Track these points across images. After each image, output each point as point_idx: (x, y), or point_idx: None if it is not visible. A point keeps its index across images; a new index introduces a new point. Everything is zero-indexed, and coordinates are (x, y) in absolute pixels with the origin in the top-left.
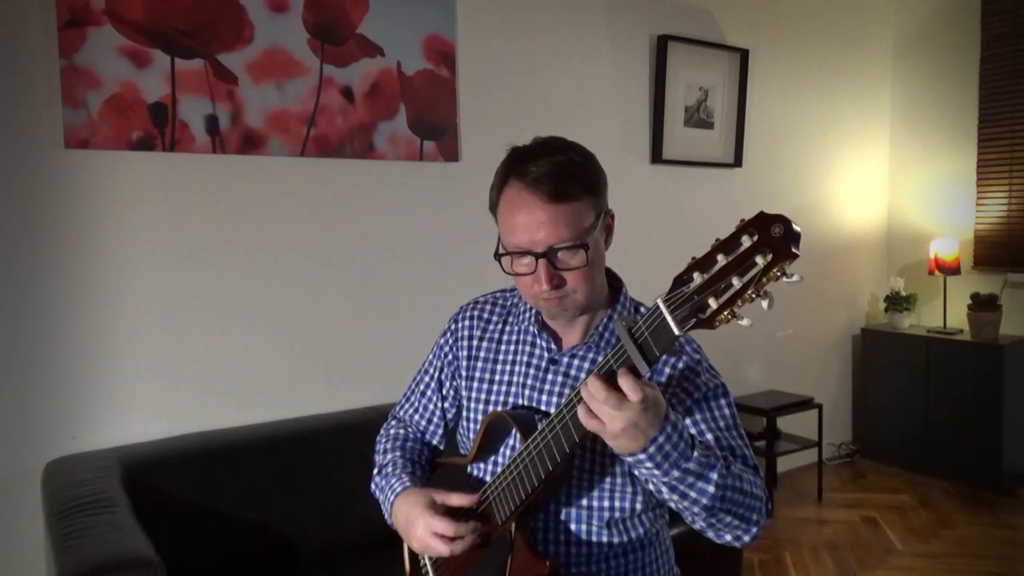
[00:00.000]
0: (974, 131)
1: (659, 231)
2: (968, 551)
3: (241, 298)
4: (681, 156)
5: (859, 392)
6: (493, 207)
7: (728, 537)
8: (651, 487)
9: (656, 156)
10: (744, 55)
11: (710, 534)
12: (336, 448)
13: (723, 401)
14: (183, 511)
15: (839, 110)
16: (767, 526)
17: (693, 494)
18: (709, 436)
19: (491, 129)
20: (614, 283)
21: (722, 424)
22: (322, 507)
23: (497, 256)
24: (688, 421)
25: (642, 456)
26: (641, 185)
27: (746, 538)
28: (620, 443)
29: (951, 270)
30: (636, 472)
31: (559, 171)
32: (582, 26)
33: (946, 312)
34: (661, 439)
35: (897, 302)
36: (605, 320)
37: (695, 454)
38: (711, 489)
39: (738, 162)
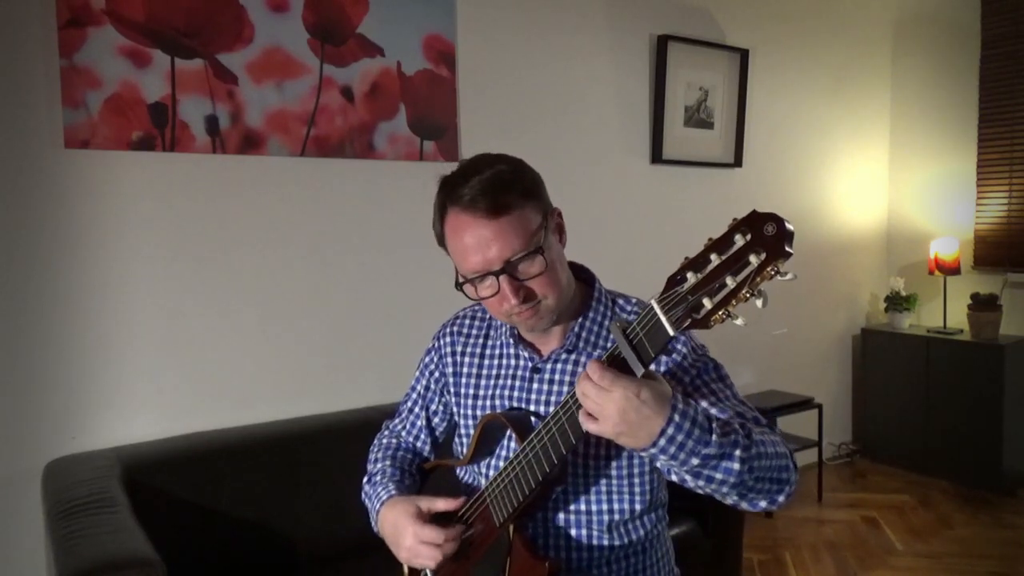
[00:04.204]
0: (974, 131)
1: (659, 231)
2: (968, 551)
3: (241, 298)
4: (681, 156)
5: (859, 392)
6: (440, 240)
7: (763, 503)
8: (674, 477)
9: (656, 156)
10: (744, 55)
11: (744, 505)
12: (336, 448)
13: (716, 375)
14: (183, 511)
15: (839, 110)
16: (797, 481)
17: (719, 475)
18: (715, 412)
19: (491, 129)
20: (587, 278)
21: (723, 396)
22: (322, 507)
23: (459, 286)
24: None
25: (654, 451)
26: (641, 185)
27: (780, 498)
28: (625, 439)
29: (951, 270)
30: (657, 464)
31: (491, 186)
32: (582, 26)
33: (946, 312)
34: (671, 430)
35: (897, 302)
36: (581, 320)
37: (714, 438)
38: (736, 466)
39: (738, 162)
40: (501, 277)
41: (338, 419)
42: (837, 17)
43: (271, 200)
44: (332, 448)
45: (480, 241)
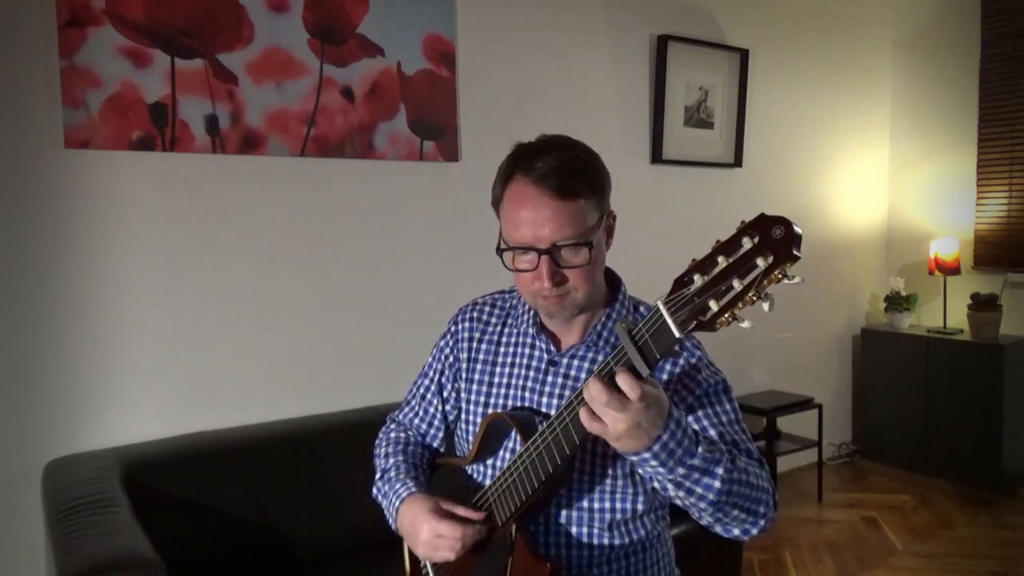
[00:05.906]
0: (974, 131)
1: (659, 231)
2: (968, 551)
3: (241, 298)
4: (681, 156)
5: (859, 392)
6: (496, 202)
7: (736, 531)
8: (656, 485)
9: (656, 156)
10: (744, 55)
11: (718, 528)
12: (336, 448)
13: (724, 397)
14: (183, 511)
15: (839, 110)
16: (774, 518)
17: (699, 490)
18: (713, 432)
19: (491, 129)
20: (613, 282)
21: (725, 419)
22: (322, 507)
23: (499, 251)
24: (691, 418)
25: (647, 455)
26: (641, 185)
27: (754, 531)
28: (624, 443)
29: (951, 270)
30: (640, 471)
31: (565, 168)
32: (582, 26)
33: (946, 312)
34: (665, 437)
35: (897, 302)
36: (603, 319)
37: (700, 450)
38: (717, 484)
39: (738, 162)
40: (543, 257)
41: (338, 419)
42: (837, 17)
43: (271, 200)
44: (332, 448)
45: (537, 217)
